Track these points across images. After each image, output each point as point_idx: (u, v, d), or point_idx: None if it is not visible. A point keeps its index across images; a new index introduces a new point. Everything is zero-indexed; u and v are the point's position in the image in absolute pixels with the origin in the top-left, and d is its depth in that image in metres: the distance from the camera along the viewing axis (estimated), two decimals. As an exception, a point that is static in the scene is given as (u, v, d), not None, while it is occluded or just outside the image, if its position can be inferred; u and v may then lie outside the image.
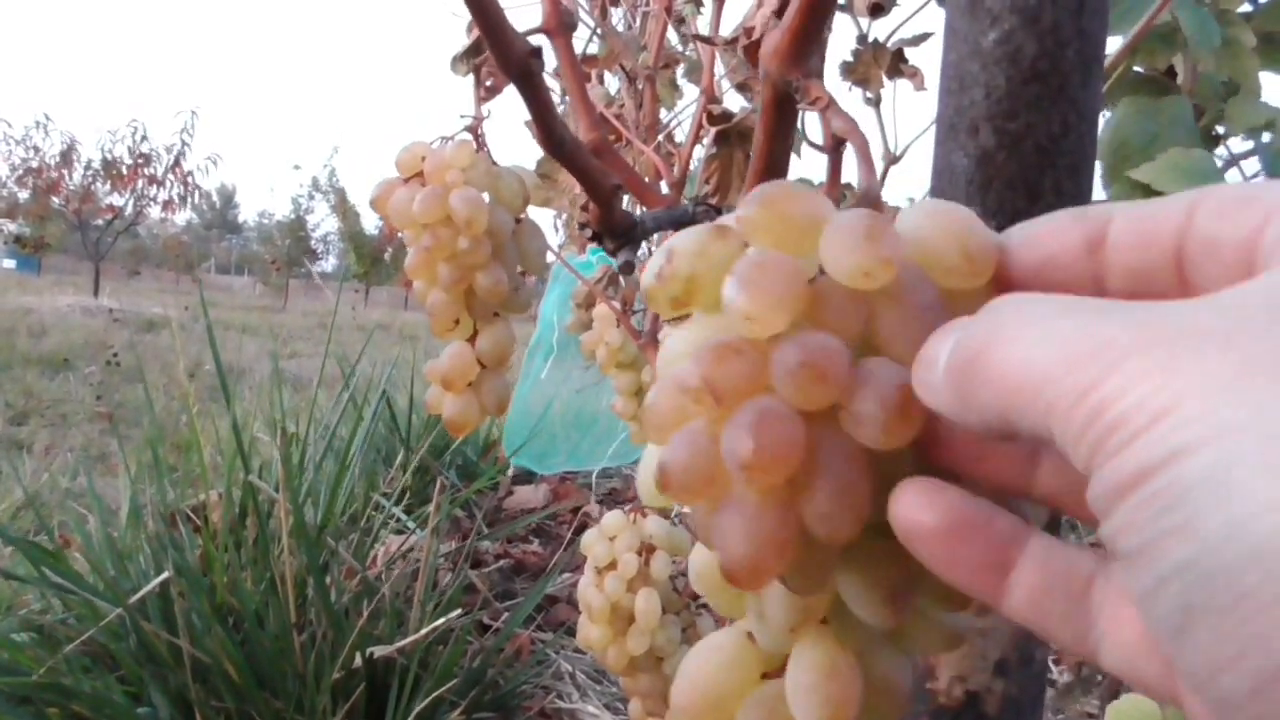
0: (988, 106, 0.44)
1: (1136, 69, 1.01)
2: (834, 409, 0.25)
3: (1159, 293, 0.23)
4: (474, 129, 0.68)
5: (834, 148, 0.40)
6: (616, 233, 0.57)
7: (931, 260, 0.27)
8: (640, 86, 1.39)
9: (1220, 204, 0.22)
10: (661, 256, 0.29)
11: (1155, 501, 0.17)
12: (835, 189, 0.42)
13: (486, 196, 0.65)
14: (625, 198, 0.78)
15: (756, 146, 0.45)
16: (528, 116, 0.55)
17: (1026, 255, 0.26)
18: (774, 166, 0.45)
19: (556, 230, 1.89)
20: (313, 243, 21.70)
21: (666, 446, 0.26)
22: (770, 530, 0.24)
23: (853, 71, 1.20)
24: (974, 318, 0.23)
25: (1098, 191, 1.00)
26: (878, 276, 0.25)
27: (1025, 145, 0.44)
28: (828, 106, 0.38)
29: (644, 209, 0.68)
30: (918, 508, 0.24)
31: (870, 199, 0.35)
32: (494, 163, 0.66)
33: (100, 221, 15.43)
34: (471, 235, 0.63)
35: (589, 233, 0.59)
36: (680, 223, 0.58)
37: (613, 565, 0.79)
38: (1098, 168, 0.99)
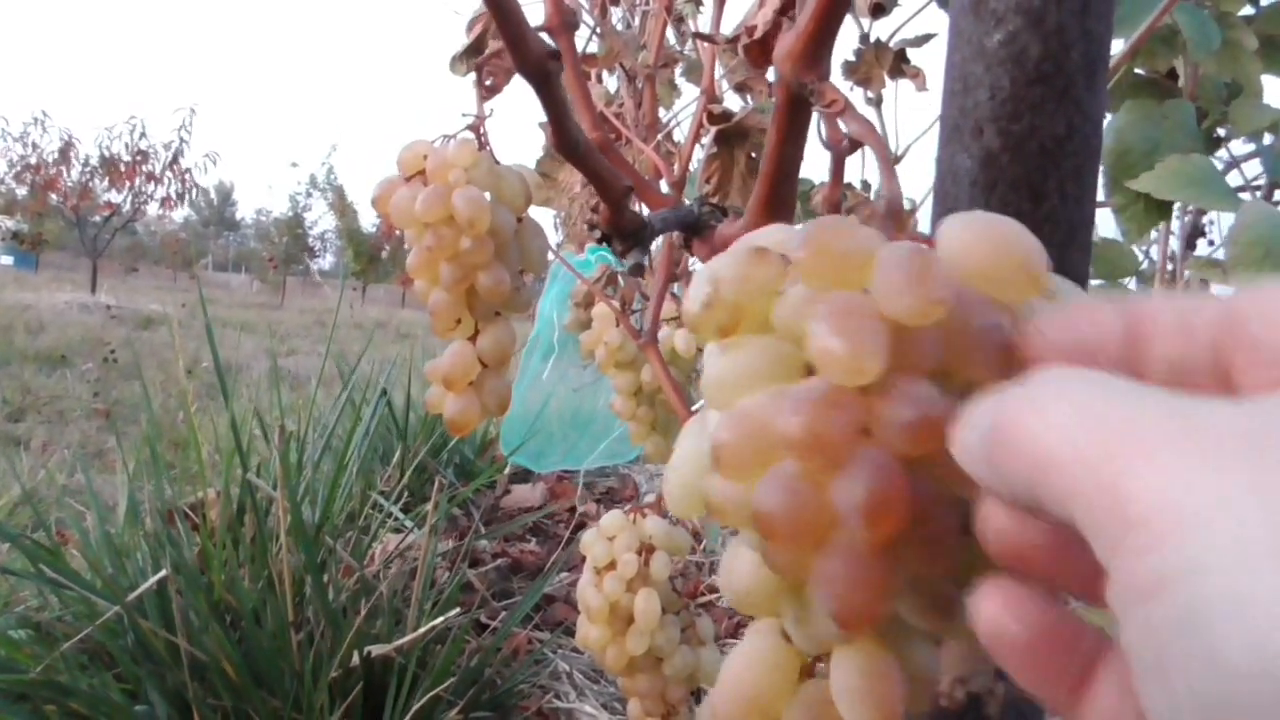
0: (992, 108, 0.44)
1: (1138, 71, 1.01)
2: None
3: (1199, 389, 0.22)
4: (476, 128, 0.68)
5: (849, 150, 0.40)
6: (625, 234, 0.57)
7: (986, 277, 0.27)
8: (640, 85, 1.39)
9: (1265, 305, 0.21)
10: (706, 285, 0.30)
11: (1172, 616, 0.16)
12: (837, 190, 0.42)
13: (488, 196, 0.65)
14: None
15: (768, 150, 0.45)
16: (540, 118, 0.54)
17: (1061, 335, 0.25)
18: (785, 170, 0.45)
19: (555, 229, 1.89)
20: (310, 240, 21.69)
21: (761, 489, 0.26)
22: (880, 577, 0.25)
23: (855, 71, 1.20)
24: (1013, 386, 0.22)
25: (1100, 196, 1.00)
26: (930, 317, 0.25)
27: (1029, 147, 0.44)
28: (844, 110, 0.37)
29: (646, 208, 0.68)
30: (1004, 615, 0.23)
31: (894, 204, 0.34)
32: (496, 161, 0.66)
33: (98, 218, 15.40)
34: (474, 235, 0.63)
35: (597, 234, 0.59)
36: (686, 224, 0.58)
37: (612, 565, 0.79)
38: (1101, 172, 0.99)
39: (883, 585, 0.25)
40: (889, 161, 0.35)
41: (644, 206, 0.71)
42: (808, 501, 0.25)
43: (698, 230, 0.58)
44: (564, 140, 0.51)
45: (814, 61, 0.37)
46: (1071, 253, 0.44)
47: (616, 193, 0.54)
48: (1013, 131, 0.44)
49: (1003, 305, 0.26)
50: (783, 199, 0.43)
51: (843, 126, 0.39)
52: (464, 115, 0.67)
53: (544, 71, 0.46)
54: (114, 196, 15.35)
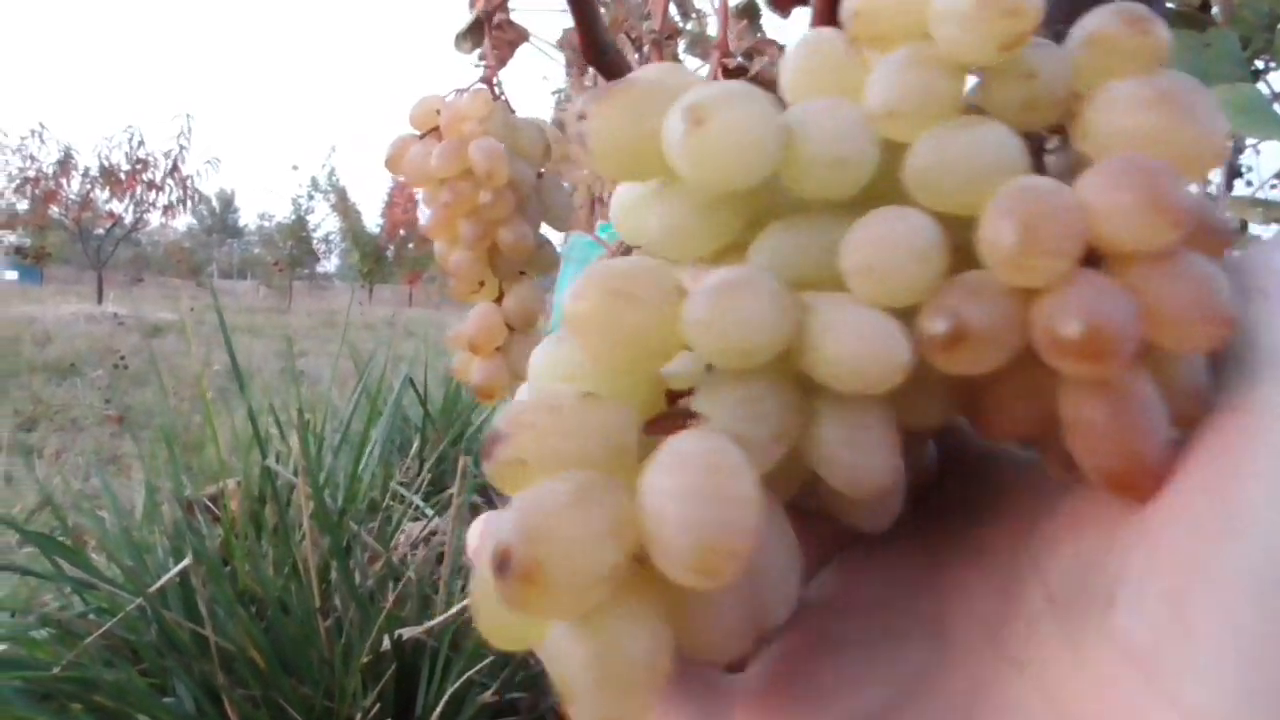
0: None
1: (1169, 5, 0.98)
2: None
3: None
4: (489, 79, 0.65)
5: None
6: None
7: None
8: (646, 52, 1.36)
9: None
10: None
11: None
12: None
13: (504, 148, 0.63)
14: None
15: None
16: (539, 72, 0.51)
17: None
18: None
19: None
20: (314, 243, 21.70)
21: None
22: None
23: None
24: None
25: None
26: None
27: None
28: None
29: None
30: None
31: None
32: (512, 112, 0.64)
33: (100, 230, 15.43)
34: (493, 187, 0.60)
35: (608, 209, 0.56)
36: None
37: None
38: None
39: None
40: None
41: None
42: None
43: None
44: (592, 45, 0.48)
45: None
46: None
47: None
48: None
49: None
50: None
51: None
52: (476, 65, 0.65)
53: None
54: (115, 207, 15.37)
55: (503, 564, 0.17)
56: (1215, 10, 0.90)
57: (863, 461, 0.21)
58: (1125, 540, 0.18)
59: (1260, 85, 0.91)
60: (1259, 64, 0.91)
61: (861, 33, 0.24)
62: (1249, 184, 1.03)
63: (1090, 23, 0.23)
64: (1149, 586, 0.16)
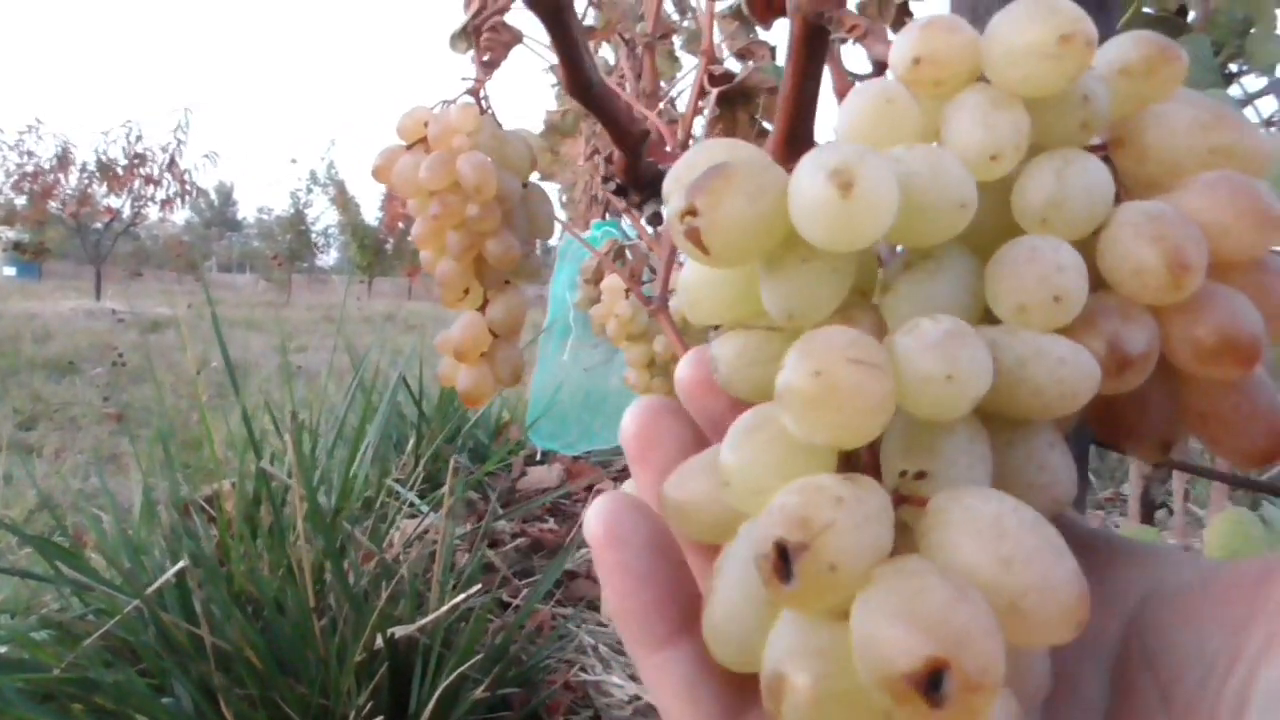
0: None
1: (1146, 10, 0.99)
2: None
3: None
4: (475, 92, 0.67)
5: (877, 74, 0.39)
6: (642, 183, 0.55)
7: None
8: (639, 53, 1.37)
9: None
10: None
11: None
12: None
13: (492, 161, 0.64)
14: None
15: (786, 86, 0.43)
16: (534, 82, 0.53)
17: None
18: (804, 105, 0.43)
19: (561, 205, 1.87)
20: (313, 236, 21.66)
21: None
22: None
23: (856, 27, 1.18)
24: None
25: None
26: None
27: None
28: (866, 35, 0.36)
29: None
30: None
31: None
32: (499, 126, 0.65)
33: (99, 225, 15.40)
34: (481, 201, 0.61)
35: (601, 205, 0.57)
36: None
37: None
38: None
39: None
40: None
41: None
42: None
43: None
44: (578, 80, 0.49)
45: (832, -13, 0.36)
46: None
47: (633, 138, 0.53)
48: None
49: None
50: (802, 135, 0.41)
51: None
52: (464, 79, 0.66)
53: (555, 5, 0.44)
54: (113, 201, 15.34)
55: (936, 680, 0.16)
56: (1192, 16, 0.91)
57: (1057, 480, 0.21)
58: (1254, 646, 0.17)
59: (1233, 89, 0.93)
60: (1233, 67, 0.92)
61: (925, 77, 0.25)
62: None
63: (1116, 53, 0.25)
64: None
